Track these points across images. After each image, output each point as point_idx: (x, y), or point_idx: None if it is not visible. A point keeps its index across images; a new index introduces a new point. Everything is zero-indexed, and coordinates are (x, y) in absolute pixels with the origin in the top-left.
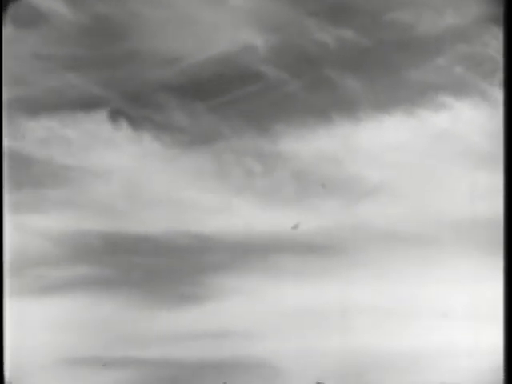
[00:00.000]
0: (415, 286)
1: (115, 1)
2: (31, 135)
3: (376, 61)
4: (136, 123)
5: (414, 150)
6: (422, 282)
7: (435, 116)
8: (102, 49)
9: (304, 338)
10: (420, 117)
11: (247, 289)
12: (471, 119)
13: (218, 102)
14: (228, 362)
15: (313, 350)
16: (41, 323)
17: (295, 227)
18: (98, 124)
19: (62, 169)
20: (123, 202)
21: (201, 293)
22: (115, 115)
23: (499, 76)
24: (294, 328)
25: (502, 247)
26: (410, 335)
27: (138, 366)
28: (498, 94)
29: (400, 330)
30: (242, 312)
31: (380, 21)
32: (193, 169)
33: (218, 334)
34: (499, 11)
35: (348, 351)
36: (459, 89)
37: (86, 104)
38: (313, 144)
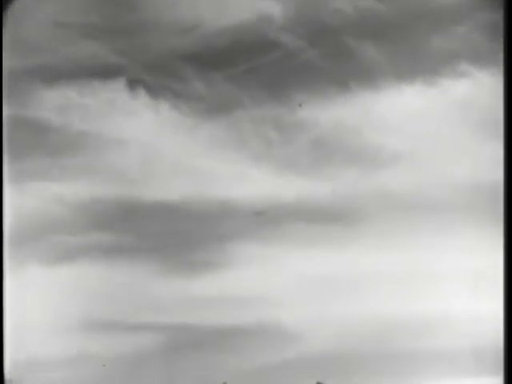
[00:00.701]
0: (433, 253)
1: None
2: (49, 103)
3: (395, 29)
4: (153, 92)
5: (434, 118)
6: (441, 250)
7: (455, 85)
8: (121, 18)
9: (320, 304)
10: (440, 85)
11: (263, 256)
12: (491, 88)
13: (235, 70)
14: (243, 327)
15: (327, 316)
16: (57, 289)
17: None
18: (115, 92)
19: (79, 136)
20: (140, 170)
21: (216, 259)
22: (133, 84)
23: None
24: (309, 295)
25: None
26: (425, 301)
27: (155, 331)
28: None
29: (414, 295)
30: (258, 279)
31: None
32: (210, 137)
33: (233, 300)
34: None
35: (362, 317)
36: (479, 57)
37: (104, 72)
38: (332, 113)
